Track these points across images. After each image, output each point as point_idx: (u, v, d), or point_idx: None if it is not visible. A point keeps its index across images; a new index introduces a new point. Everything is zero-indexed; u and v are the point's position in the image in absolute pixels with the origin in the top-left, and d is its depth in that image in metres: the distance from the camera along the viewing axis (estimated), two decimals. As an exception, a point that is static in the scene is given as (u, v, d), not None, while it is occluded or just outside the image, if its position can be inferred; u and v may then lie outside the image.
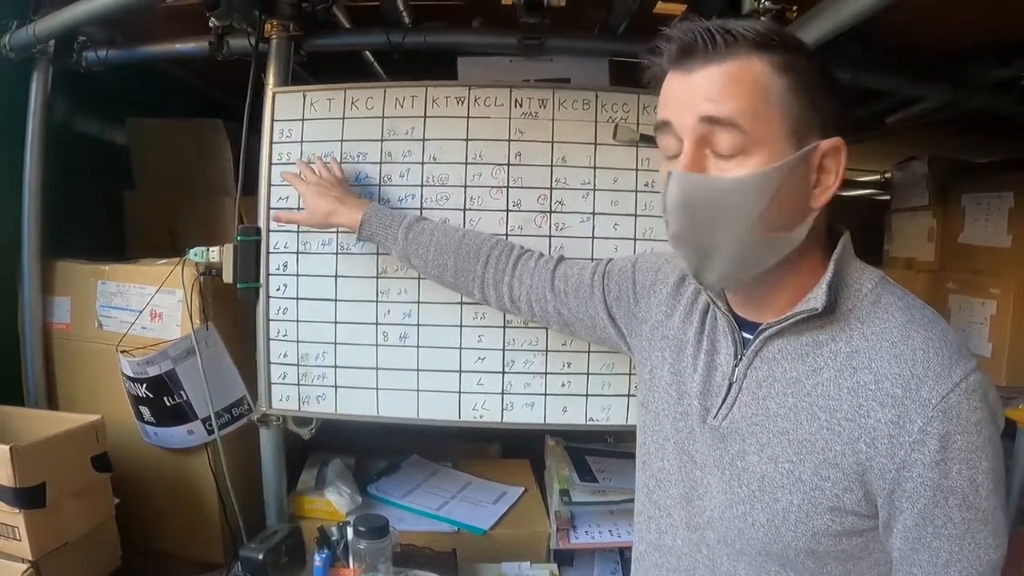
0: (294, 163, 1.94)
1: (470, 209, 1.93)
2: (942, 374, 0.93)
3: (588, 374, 1.96)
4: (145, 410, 2.15)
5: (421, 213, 1.93)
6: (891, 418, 0.94)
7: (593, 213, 1.94)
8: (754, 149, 0.94)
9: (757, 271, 1.01)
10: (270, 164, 1.99)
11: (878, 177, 4.66)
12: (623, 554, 2.31)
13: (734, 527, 1.07)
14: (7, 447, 1.73)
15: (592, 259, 1.81)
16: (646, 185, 1.94)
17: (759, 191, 0.95)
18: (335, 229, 1.93)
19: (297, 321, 2.00)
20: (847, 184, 5.25)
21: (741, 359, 1.09)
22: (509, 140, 1.94)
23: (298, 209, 1.91)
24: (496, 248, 1.66)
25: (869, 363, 0.97)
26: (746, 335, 1.10)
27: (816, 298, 1.00)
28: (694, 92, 0.96)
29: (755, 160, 0.94)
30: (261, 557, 1.86)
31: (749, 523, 1.05)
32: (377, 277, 1.96)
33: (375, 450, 2.62)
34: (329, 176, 1.85)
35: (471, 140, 1.94)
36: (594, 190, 1.94)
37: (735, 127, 0.94)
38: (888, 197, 3.30)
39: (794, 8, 1.94)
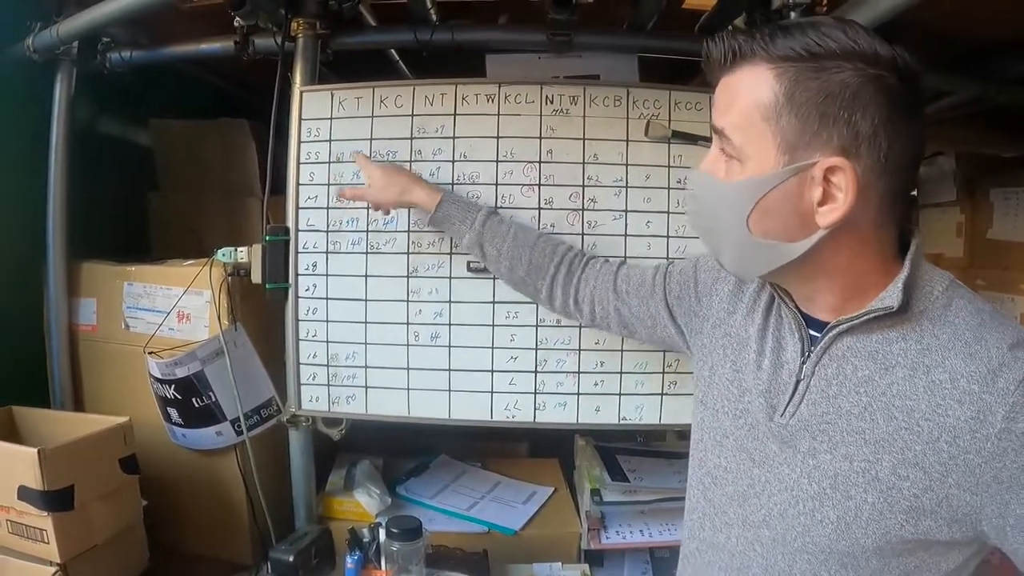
0: (323, 162, 1.95)
1: (501, 207, 1.91)
2: (1016, 368, 0.91)
3: (621, 373, 1.95)
4: (173, 411, 2.14)
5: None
6: (971, 415, 0.92)
7: (626, 211, 1.93)
8: (745, 159, 0.99)
9: (760, 272, 1.08)
10: (298, 163, 1.98)
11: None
12: (653, 554, 2.30)
13: (798, 524, 1.06)
14: (35, 450, 1.72)
15: (638, 259, 1.84)
16: (678, 182, 1.93)
17: (738, 199, 1.00)
18: (364, 229, 1.93)
19: (327, 321, 1.99)
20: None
21: (809, 356, 1.08)
22: (540, 137, 1.93)
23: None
24: (570, 251, 1.69)
25: (943, 361, 0.96)
26: (813, 332, 1.10)
27: (892, 296, 0.99)
28: (717, 99, 1.04)
29: (747, 169, 0.99)
30: (291, 559, 1.85)
31: (817, 520, 1.04)
32: (408, 276, 1.95)
33: (403, 450, 2.61)
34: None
35: (502, 138, 1.93)
36: (626, 187, 1.92)
37: (723, 136, 1.01)
38: (915, 192, 3.27)
39: (824, 2, 1.92)
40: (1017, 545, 0.93)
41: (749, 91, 0.98)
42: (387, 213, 1.93)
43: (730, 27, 2.12)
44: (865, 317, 1.01)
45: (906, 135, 0.95)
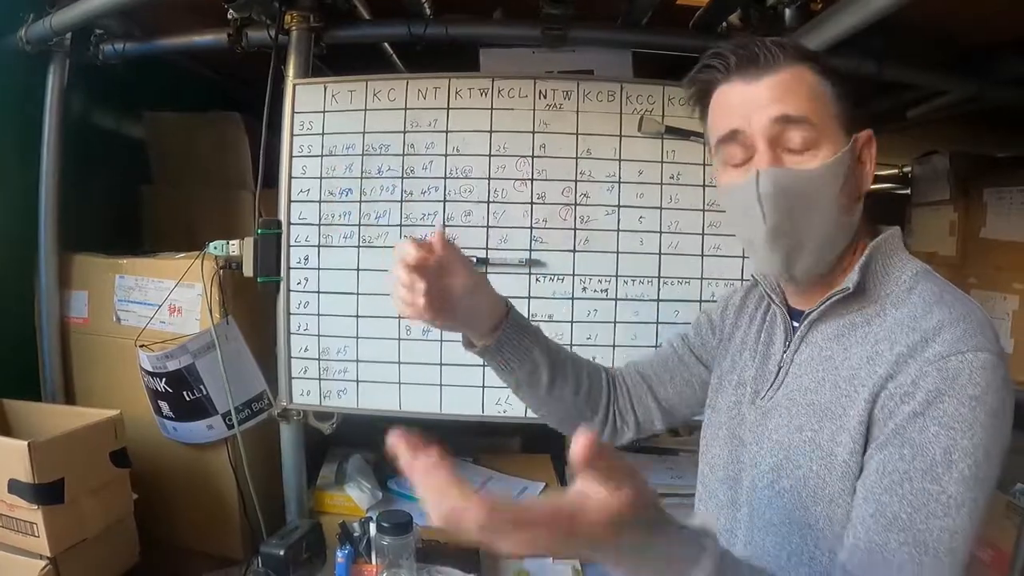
0: (316, 155, 1.96)
1: (494, 202, 1.92)
2: (951, 340, 0.94)
3: (613, 368, 1.94)
4: (164, 405, 2.13)
5: (445, 207, 1.94)
6: (891, 373, 0.97)
7: (619, 206, 1.93)
8: (822, 142, 1.04)
9: (834, 255, 1.10)
10: (291, 157, 1.98)
11: (896, 171, 4.63)
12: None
13: (763, 498, 1.11)
14: (25, 443, 1.71)
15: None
16: (672, 178, 1.93)
17: (835, 177, 1.05)
18: (357, 223, 1.95)
19: (318, 315, 1.99)
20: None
21: (790, 344, 1.16)
22: (533, 132, 1.93)
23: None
24: (605, 371, 1.48)
25: (890, 335, 1.01)
26: (796, 324, 1.17)
27: (849, 279, 1.07)
28: (762, 97, 1.06)
29: (823, 152, 1.04)
30: (282, 553, 1.84)
31: (776, 491, 1.09)
32: (400, 271, 1.94)
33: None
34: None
35: (495, 132, 1.93)
36: (619, 183, 1.93)
37: (808, 123, 1.04)
38: (908, 191, 3.27)
39: (819, 1, 1.92)
40: (855, 500, 0.98)
41: (809, 85, 1.06)
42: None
43: (725, 23, 2.13)
44: (828, 302, 1.09)
45: None
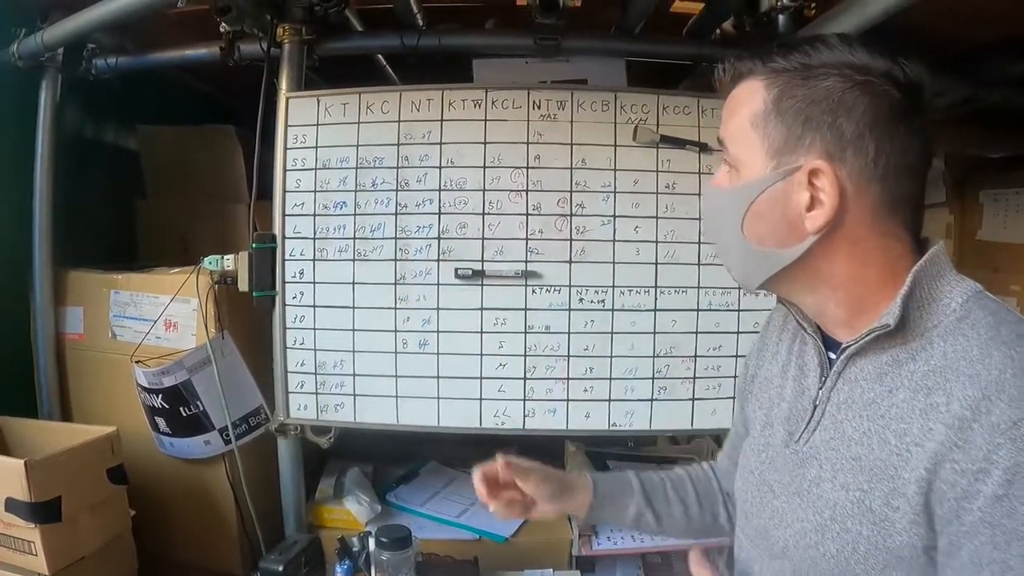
0: (310, 168, 1.95)
1: (489, 213, 1.92)
2: (1016, 398, 0.84)
3: (611, 379, 1.95)
4: (161, 421, 2.13)
5: (439, 219, 1.94)
6: (955, 441, 0.86)
7: (614, 216, 1.92)
8: (740, 167, 1.02)
9: (759, 280, 1.05)
10: (284, 170, 1.97)
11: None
12: (645, 559, 2.29)
13: (807, 556, 1.02)
14: (22, 461, 1.71)
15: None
16: (667, 187, 1.93)
17: (733, 205, 1.02)
18: (351, 236, 1.95)
19: (314, 329, 1.98)
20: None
21: (826, 380, 1.06)
22: (528, 143, 1.92)
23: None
24: (714, 472, 1.50)
25: (944, 383, 0.90)
26: (832, 355, 1.06)
27: (890, 314, 0.95)
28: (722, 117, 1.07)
29: (740, 176, 1.02)
30: (281, 568, 1.83)
31: (820, 553, 1.00)
32: (395, 284, 1.94)
33: (392, 457, 2.59)
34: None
35: (489, 143, 1.92)
36: (615, 192, 1.92)
37: (726, 148, 1.04)
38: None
39: (813, 6, 1.92)
40: None
41: (743, 103, 1.01)
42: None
43: (718, 31, 2.12)
44: (868, 337, 0.97)
45: (901, 139, 0.94)
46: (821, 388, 1.06)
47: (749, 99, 1.00)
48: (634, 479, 1.45)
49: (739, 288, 1.94)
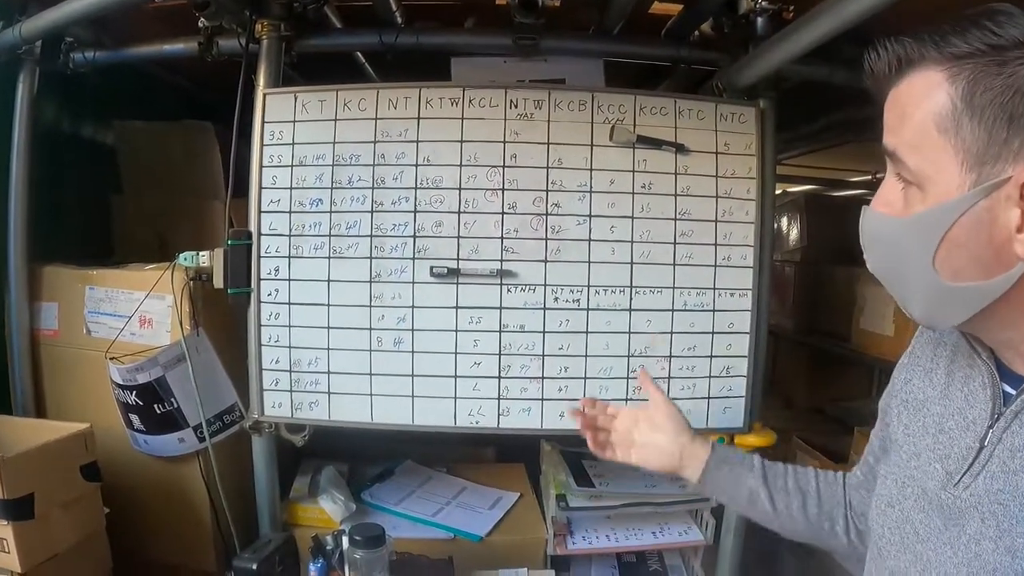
0: (286, 165, 1.94)
1: (465, 212, 1.92)
2: None
3: (585, 378, 1.95)
4: (135, 418, 2.12)
5: (415, 217, 1.93)
6: None
7: (590, 215, 1.93)
8: (925, 184, 0.81)
9: (955, 322, 0.87)
10: (261, 167, 1.97)
11: (870, 178, 4.65)
12: (620, 559, 2.30)
13: None
14: (-7, 458, 1.69)
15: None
16: (643, 187, 1.93)
17: (920, 236, 0.82)
18: (327, 234, 1.94)
19: (289, 326, 1.98)
20: (842, 185, 5.23)
21: (999, 418, 0.88)
22: (504, 142, 1.93)
23: None
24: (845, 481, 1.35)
25: None
26: (1008, 389, 0.89)
27: None
28: (885, 120, 0.86)
29: (928, 197, 0.81)
30: (255, 567, 1.83)
31: None
32: (371, 281, 1.94)
33: (368, 455, 2.59)
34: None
35: (466, 142, 1.93)
36: (591, 192, 1.93)
37: (901, 160, 0.83)
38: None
39: (791, 8, 1.93)
40: None
41: (920, 101, 0.80)
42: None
43: (697, 32, 2.13)
44: None
45: None
46: (992, 427, 0.88)
47: (928, 95, 0.79)
48: (756, 457, 1.37)
49: (714, 289, 1.96)
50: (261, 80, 2.00)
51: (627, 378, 1.95)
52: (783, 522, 1.35)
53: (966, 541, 0.86)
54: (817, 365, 3.45)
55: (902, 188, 0.84)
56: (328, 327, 1.96)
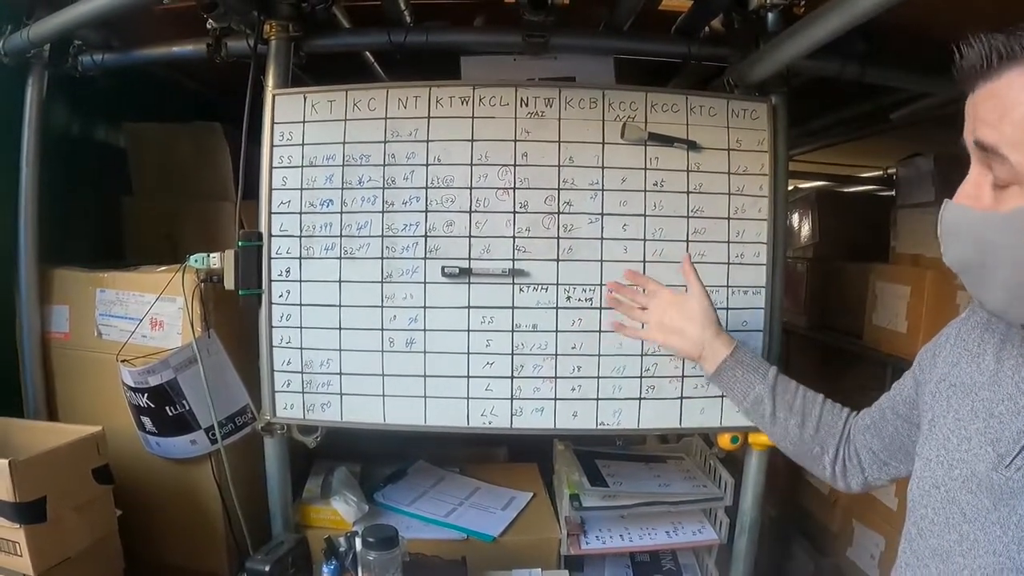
0: (296, 166, 1.94)
1: (476, 211, 1.91)
2: None
3: (599, 377, 1.94)
4: (147, 420, 2.11)
5: (426, 217, 1.92)
6: None
7: (602, 214, 1.92)
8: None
9: None
10: (271, 168, 1.96)
11: (881, 173, 4.64)
12: (634, 559, 2.29)
13: None
14: (6, 461, 1.69)
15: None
16: (655, 185, 1.92)
17: (1015, 231, 0.83)
18: (338, 234, 1.94)
19: (301, 328, 1.97)
20: (854, 180, 5.22)
21: None
22: (515, 140, 1.92)
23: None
24: (848, 416, 1.48)
25: None
26: None
27: None
28: (971, 113, 0.87)
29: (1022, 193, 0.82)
30: (267, 569, 1.82)
31: None
32: (382, 282, 1.93)
33: (380, 456, 2.58)
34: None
35: (476, 141, 1.91)
36: (602, 190, 1.92)
37: (1001, 156, 0.82)
38: (893, 193, 3.27)
39: (802, 3, 1.91)
40: None
41: (1015, 99, 0.81)
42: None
43: (707, 28, 2.12)
44: None
45: None
46: None
47: None
48: (772, 370, 1.55)
49: (727, 286, 1.94)
50: (270, 81, 1.99)
51: (640, 377, 1.93)
52: (776, 432, 1.53)
53: (1017, 519, 0.89)
54: (830, 361, 3.43)
55: (991, 185, 0.85)
56: (340, 328, 1.95)
